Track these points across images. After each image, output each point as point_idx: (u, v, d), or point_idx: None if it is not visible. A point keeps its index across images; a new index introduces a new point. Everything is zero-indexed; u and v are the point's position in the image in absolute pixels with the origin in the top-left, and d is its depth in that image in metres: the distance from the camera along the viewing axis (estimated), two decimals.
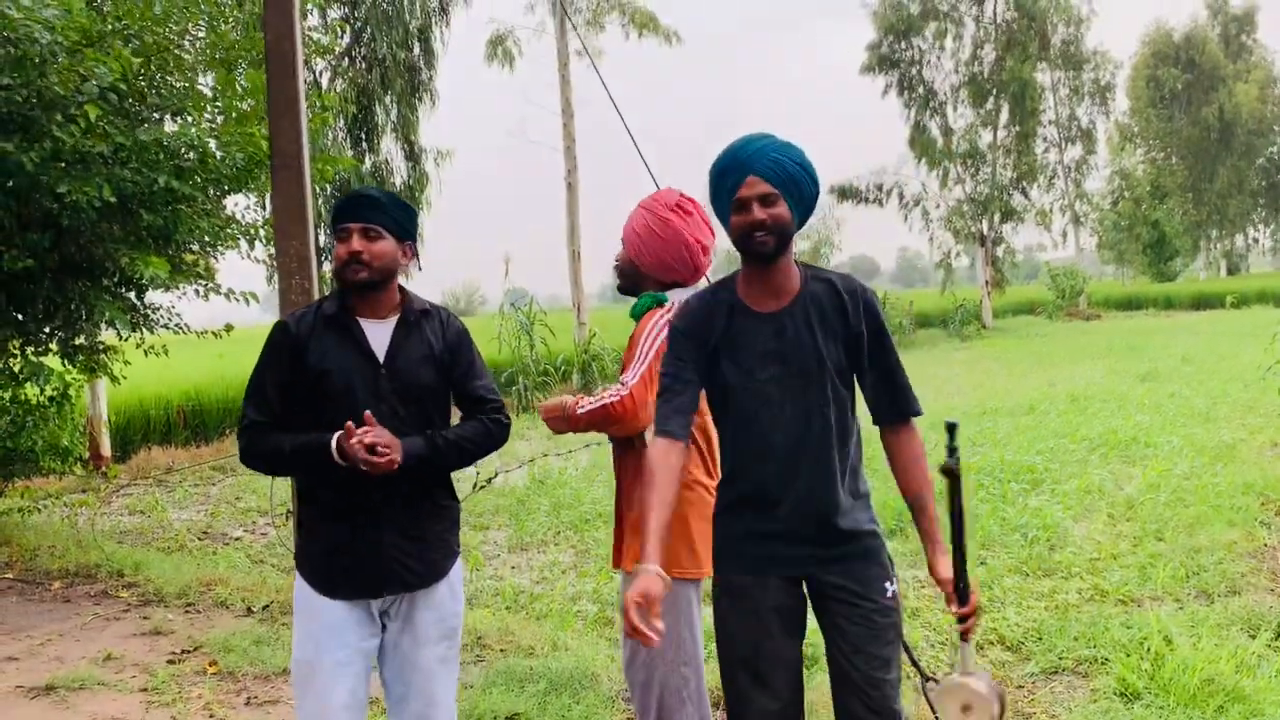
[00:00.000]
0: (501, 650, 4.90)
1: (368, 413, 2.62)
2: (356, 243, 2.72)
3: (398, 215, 2.78)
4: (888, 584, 2.55)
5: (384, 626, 2.81)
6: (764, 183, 2.42)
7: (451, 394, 2.90)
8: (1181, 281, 50.20)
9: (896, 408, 2.58)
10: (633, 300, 3.30)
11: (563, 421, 3.09)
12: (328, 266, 14.62)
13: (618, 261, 3.30)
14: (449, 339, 2.87)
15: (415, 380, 2.78)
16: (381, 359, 2.75)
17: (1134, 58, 56.33)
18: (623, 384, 2.98)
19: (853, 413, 2.57)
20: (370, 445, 2.56)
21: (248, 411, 2.75)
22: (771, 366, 2.48)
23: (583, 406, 3.00)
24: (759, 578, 2.53)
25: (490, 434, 2.87)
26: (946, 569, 2.48)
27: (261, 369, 2.77)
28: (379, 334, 2.78)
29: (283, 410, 2.73)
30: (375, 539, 2.70)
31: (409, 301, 2.85)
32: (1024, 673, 4.36)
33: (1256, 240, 65.50)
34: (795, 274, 2.54)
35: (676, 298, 3.16)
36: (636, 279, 3.25)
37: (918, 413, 2.59)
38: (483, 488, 8.05)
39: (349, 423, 2.57)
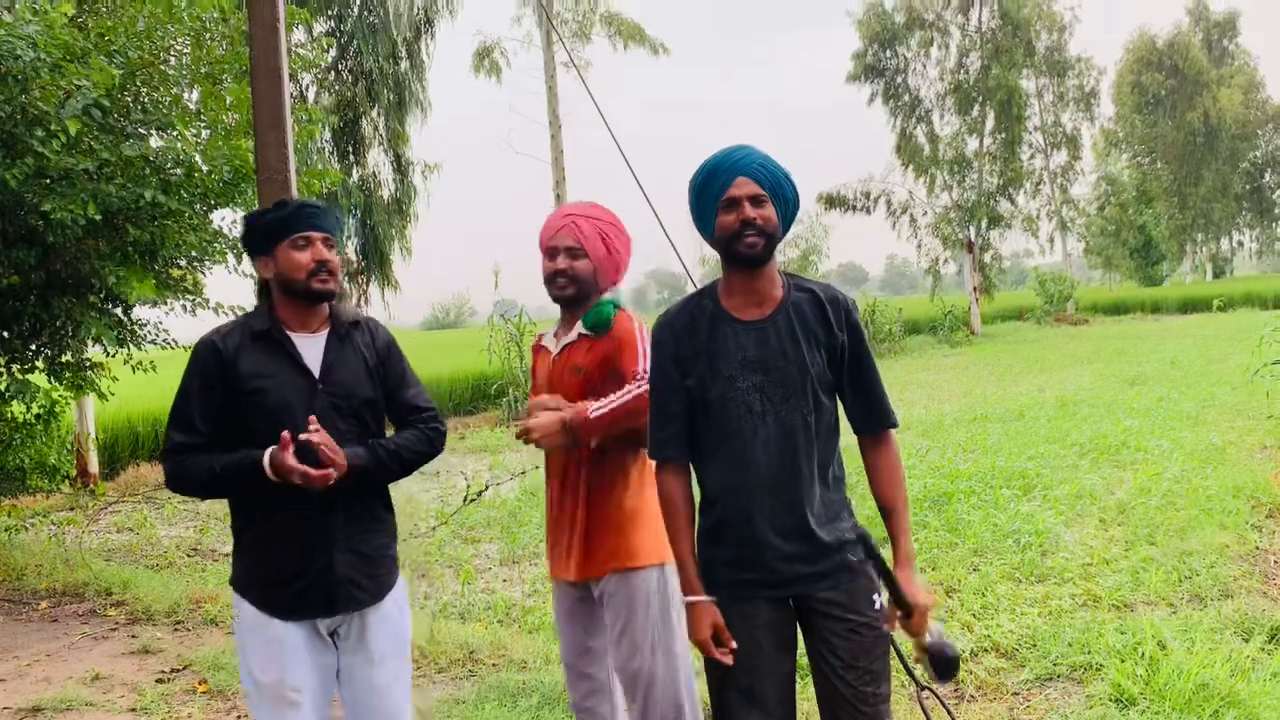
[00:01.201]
0: (494, 664, 4.88)
1: (312, 416, 2.56)
2: (324, 251, 2.68)
3: (339, 226, 2.78)
4: (875, 596, 2.52)
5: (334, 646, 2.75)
6: (753, 183, 2.44)
7: (385, 404, 2.84)
8: (1168, 285, 50.47)
9: (874, 418, 2.59)
10: (568, 309, 3.18)
11: (565, 434, 2.92)
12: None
13: (575, 272, 3.10)
14: (379, 349, 2.83)
15: (353, 393, 2.73)
16: (317, 373, 2.69)
17: (1118, 63, 56.65)
18: (642, 376, 2.92)
19: (836, 423, 2.57)
20: (316, 446, 2.51)
21: (173, 435, 2.64)
22: (753, 375, 2.47)
23: (599, 407, 2.89)
24: (749, 598, 2.51)
25: (430, 442, 2.83)
26: (908, 588, 2.46)
27: (186, 390, 2.66)
28: (311, 348, 2.71)
29: (212, 432, 2.63)
30: (325, 558, 2.64)
31: (336, 313, 2.79)
32: (1019, 680, 4.35)
33: (1241, 244, 65.88)
34: (779, 282, 2.55)
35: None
36: (590, 289, 3.14)
37: (894, 424, 2.61)
38: (473, 500, 8.04)
39: (285, 434, 2.50)
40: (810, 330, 2.49)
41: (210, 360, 2.65)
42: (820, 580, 2.48)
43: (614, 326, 3.07)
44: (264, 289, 2.80)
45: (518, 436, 2.99)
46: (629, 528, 3.02)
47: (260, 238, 2.72)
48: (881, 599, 2.53)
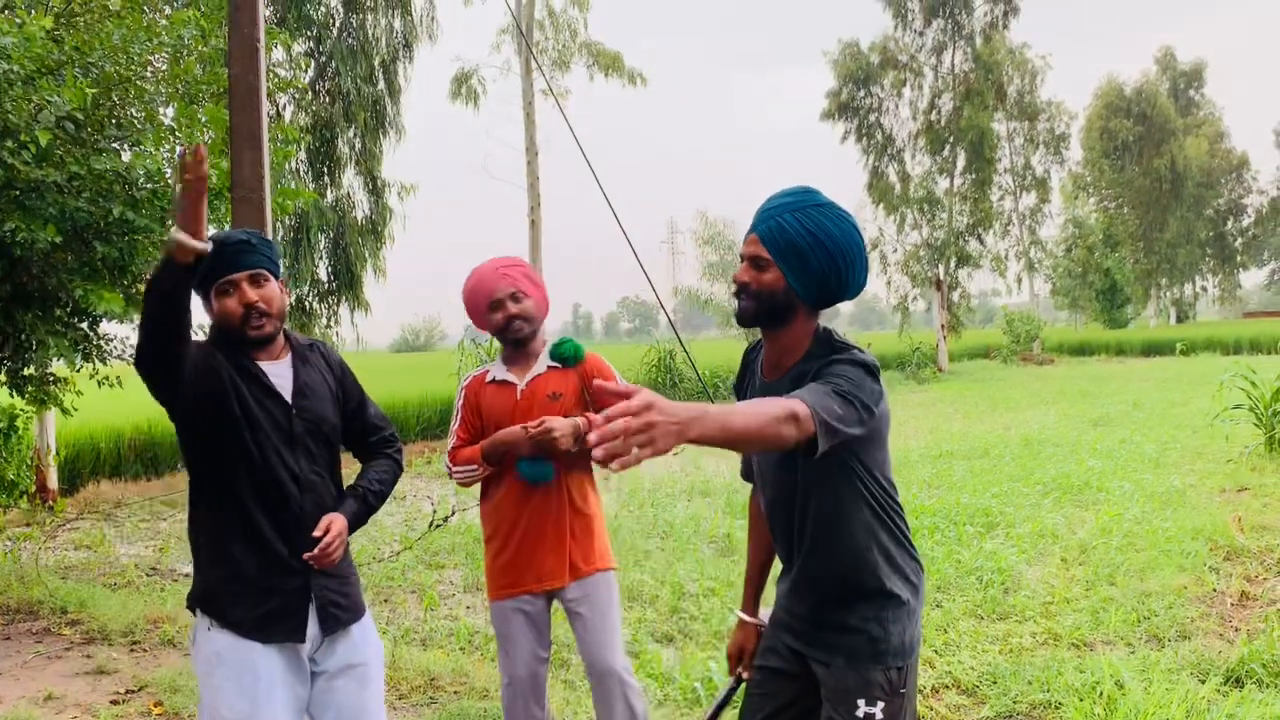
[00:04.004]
0: (455, 691, 4.84)
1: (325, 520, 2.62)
2: (250, 293, 2.58)
3: (269, 253, 2.64)
4: (861, 701, 2.24)
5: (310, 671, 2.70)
6: (760, 245, 2.25)
7: (345, 425, 2.83)
8: (1132, 328, 51.12)
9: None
10: (520, 347, 3.48)
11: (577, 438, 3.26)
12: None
13: (527, 313, 3.41)
14: (335, 371, 2.82)
15: (324, 417, 2.71)
16: (289, 399, 2.66)
17: (1087, 109, 57.67)
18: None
19: (853, 505, 2.27)
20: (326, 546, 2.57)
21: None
22: None
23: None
24: (774, 636, 2.50)
25: (400, 468, 2.91)
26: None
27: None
28: (280, 374, 2.68)
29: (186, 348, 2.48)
30: (304, 578, 2.61)
31: (291, 337, 2.76)
32: (979, 716, 4.37)
33: (1205, 289, 67.05)
34: (801, 349, 2.30)
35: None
36: (537, 324, 3.48)
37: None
38: (439, 526, 7.99)
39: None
40: None
41: (213, 356, 2.59)
42: (818, 649, 2.34)
43: (584, 357, 3.49)
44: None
45: (535, 437, 3.17)
46: (601, 532, 3.43)
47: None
48: (873, 709, 2.24)
